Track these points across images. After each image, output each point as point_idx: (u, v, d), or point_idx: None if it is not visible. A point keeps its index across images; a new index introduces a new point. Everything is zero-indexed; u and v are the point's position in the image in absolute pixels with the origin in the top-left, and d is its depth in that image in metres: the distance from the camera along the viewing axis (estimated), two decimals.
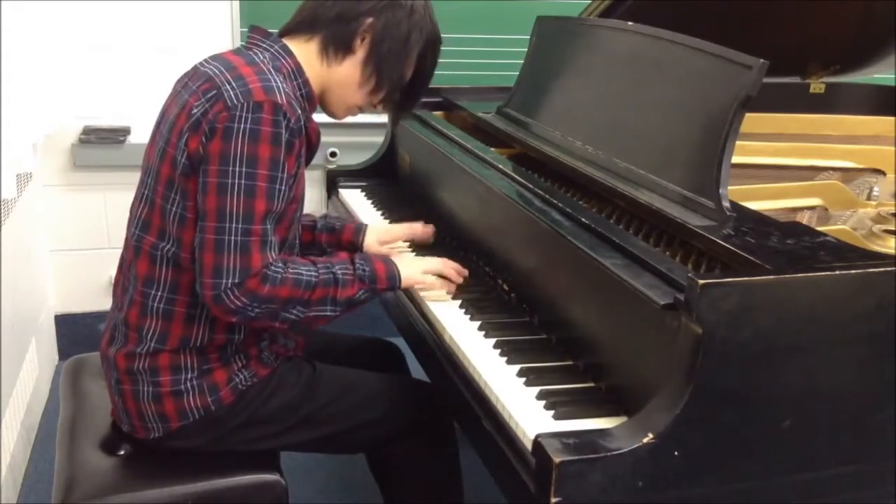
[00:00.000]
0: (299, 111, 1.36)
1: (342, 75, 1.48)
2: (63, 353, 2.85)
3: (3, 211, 2.13)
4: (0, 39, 1.97)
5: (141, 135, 2.68)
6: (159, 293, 1.40)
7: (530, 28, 2.08)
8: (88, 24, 2.60)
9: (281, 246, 1.42)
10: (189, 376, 1.42)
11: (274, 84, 1.33)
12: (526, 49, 2.08)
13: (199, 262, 1.31)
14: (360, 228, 1.78)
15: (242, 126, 1.29)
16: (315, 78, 1.47)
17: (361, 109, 1.56)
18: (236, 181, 1.29)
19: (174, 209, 1.36)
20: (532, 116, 1.93)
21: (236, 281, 1.29)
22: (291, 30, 1.49)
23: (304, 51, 1.46)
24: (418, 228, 1.83)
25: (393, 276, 1.48)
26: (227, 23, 2.72)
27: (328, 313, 1.41)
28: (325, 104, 1.54)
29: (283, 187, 1.34)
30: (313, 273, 1.38)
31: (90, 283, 2.83)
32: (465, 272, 1.61)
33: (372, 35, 1.45)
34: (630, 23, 1.70)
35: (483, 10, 2.85)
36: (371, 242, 1.77)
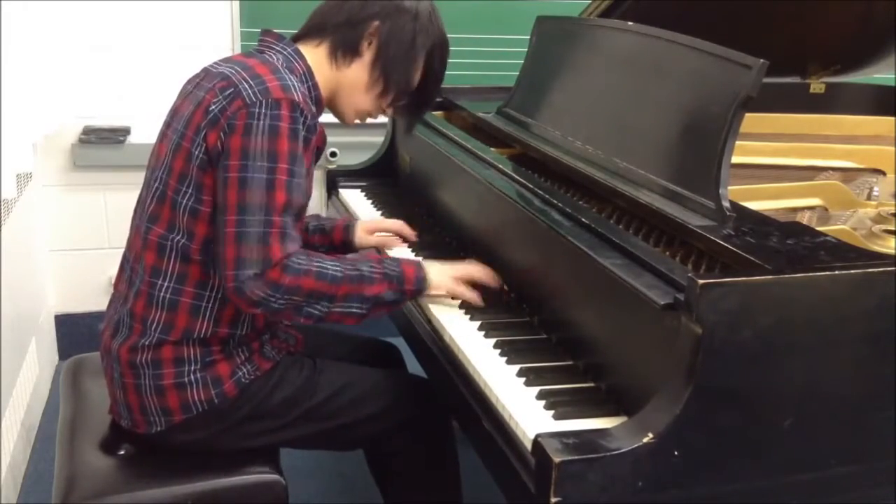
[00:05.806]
0: (314, 109, 1.42)
1: (351, 78, 1.52)
2: (63, 353, 2.85)
3: (3, 211, 2.13)
4: (0, 39, 1.97)
5: (141, 135, 2.68)
6: (166, 283, 1.41)
7: (530, 28, 2.08)
8: (88, 23, 2.60)
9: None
10: (192, 368, 1.42)
11: (290, 83, 1.37)
12: (526, 49, 2.08)
13: (221, 256, 1.33)
14: (350, 226, 1.83)
15: (262, 122, 1.33)
16: (325, 81, 1.51)
17: (371, 114, 1.59)
18: (256, 175, 1.32)
19: (186, 202, 1.38)
20: (532, 116, 1.93)
21: (257, 272, 1.31)
22: (302, 35, 1.54)
23: (315, 55, 1.51)
24: (406, 229, 1.85)
25: (421, 279, 1.48)
26: (227, 23, 2.72)
27: (355, 310, 1.41)
28: (336, 108, 1.58)
29: (302, 181, 1.37)
30: (339, 268, 1.39)
31: (90, 283, 2.83)
32: (499, 280, 1.58)
33: (378, 39, 1.50)
34: (630, 23, 1.70)
35: (483, 10, 2.85)
36: (361, 236, 1.82)
